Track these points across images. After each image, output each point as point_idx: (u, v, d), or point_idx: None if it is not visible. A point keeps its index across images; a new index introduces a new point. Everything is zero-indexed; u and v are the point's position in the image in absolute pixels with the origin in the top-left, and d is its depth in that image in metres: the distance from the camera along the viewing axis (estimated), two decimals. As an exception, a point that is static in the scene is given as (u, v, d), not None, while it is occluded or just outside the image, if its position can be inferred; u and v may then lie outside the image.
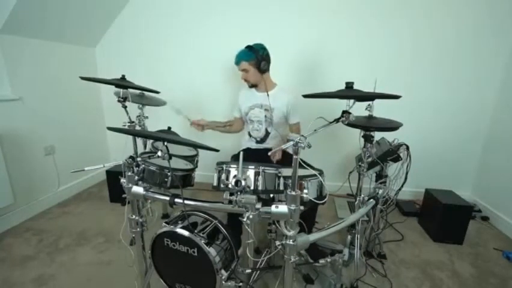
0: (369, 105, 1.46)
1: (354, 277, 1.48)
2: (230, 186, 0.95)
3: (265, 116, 1.81)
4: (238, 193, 0.95)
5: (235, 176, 0.96)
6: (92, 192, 2.59)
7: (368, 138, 1.48)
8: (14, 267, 1.57)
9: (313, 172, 1.14)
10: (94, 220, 2.08)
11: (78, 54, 2.48)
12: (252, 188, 1.03)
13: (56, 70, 2.26)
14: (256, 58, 1.68)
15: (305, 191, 1.05)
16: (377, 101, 1.39)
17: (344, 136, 2.40)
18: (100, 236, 1.87)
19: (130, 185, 1.11)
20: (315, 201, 1.04)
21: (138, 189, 1.11)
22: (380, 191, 1.43)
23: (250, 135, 1.91)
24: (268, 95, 1.73)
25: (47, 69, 2.18)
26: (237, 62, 1.73)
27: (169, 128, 1.83)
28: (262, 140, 1.87)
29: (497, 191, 2.18)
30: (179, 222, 1.09)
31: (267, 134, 1.85)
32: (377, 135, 1.55)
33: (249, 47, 1.70)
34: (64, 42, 2.30)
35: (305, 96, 1.11)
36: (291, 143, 0.89)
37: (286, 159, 1.53)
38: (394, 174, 1.54)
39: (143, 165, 1.19)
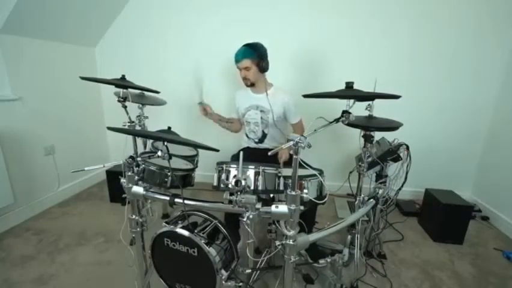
0: (369, 105, 1.46)
1: (354, 277, 1.48)
2: (230, 186, 0.95)
3: (261, 118, 1.80)
4: (238, 193, 0.95)
5: (235, 176, 0.96)
6: (92, 192, 2.59)
7: (368, 138, 1.48)
8: (14, 267, 1.56)
9: (313, 172, 1.14)
10: (94, 220, 2.08)
11: (78, 54, 2.48)
12: (252, 188, 1.03)
13: (56, 70, 2.26)
14: (258, 56, 1.65)
15: (305, 190, 1.05)
16: (377, 101, 1.39)
17: (344, 136, 2.41)
18: (100, 236, 1.87)
19: (130, 185, 1.10)
20: (315, 201, 1.04)
21: (138, 189, 1.10)
22: (380, 191, 1.43)
23: (248, 137, 1.91)
24: (267, 94, 1.72)
25: (47, 69, 2.18)
26: (239, 60, 1.67)
27: (169, 128, 1.83)
28: (260, 141, 1.87)
29: (497, 191, 2.19)
30: (179, 222, 1.09)
31: (264, 135, 1.84)
32: (377, 135, 1.55)
33: (249, 45, 1.67)
34: (63, 42, 2.30)
35: (305, 96, 1.11)
36: (291, 143, 0.89)
37: (289, 160, 1.53)
38: (394, 174, 1.54)
39: (143, 165, 1.19)
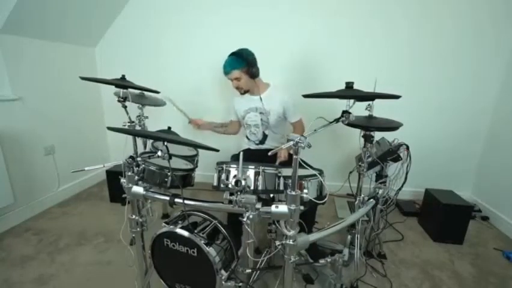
0: (369, 105, 1.46)
1: (354, 277, 1.48)
2: (230, 186, 0.95)
3: (261, 120, 1.79)
4: (238, 193, 0.95)
5: (235, 176, 0.96)
6: (92, 192, 2.59)
7: (368, 138, 1.48)
8: (14, 267, 1.56)
9: (314, 172, 1.14)
10: (94, 220, 2.08)
11: (78, 54, 2.48)
12: (252, 188, 1.03)
13: (56, 70, 2.26)
14: (246, 64, 1.63)
15: (305, 190, 1.05)
16: (377, 101, 1.39)
17: (344, 136, 2.40)
18: (100, 236, 1.87)
19: (130, 185, 1.11)
20: (315, 201, 1.04)
21: (138, 189, 1.11)
22: (380, 191, 1.43)
23: (248, 139, 1.90)
24: (261, 99, 1.71)
25: (47, 69, 2.18)
26: (228, 72, 1.66)
27: (169, 128, 1.83)
28: (261, 142, 1.86)
29: (497, 191, 2.18)
30: (179, 222, 1.09)
31: (265, 136, 1.84)
32: (377, 135, 1.55)
33: (236, 54, 1.64)
34: (63, 42, 2.30)
35: (305, 96, 1.11)
36: (291, 143, 0.89)
37: (289, 160, 1.53)
38: (394, 174, 1.54)
39: (143, 165, 1.19)
